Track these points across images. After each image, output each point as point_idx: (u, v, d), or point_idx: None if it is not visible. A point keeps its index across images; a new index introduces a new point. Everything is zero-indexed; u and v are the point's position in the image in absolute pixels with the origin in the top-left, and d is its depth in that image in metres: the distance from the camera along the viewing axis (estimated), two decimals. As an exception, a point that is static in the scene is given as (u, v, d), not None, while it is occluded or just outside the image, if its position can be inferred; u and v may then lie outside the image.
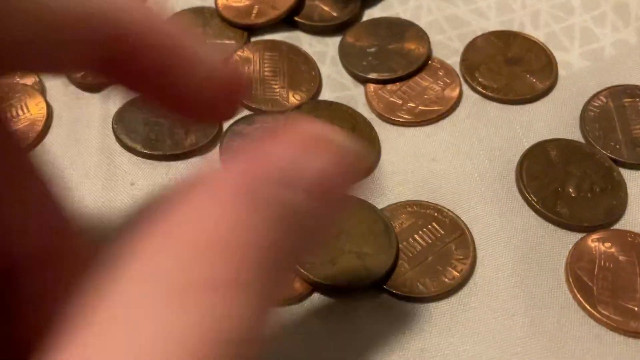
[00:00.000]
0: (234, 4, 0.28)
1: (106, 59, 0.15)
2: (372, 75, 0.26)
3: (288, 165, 0.13)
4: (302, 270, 0.20)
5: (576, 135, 0.24)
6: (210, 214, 0.12)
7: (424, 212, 0.22)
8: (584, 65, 0.26)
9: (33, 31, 0.14)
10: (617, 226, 0.22)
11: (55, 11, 0.14)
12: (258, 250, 0.11)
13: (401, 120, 0.25)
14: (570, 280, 0.20)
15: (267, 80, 0.26)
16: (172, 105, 0.18)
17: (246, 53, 0.26)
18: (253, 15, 0.27)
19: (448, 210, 0.22)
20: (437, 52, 0.27)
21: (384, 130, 0.25)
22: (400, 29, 0.28)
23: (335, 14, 0.28)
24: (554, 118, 0.25)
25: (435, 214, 0.22)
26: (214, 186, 0.12)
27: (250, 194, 0.12)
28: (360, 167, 0.15)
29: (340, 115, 0.25)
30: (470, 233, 0.21)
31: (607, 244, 0.20)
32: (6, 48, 0.14)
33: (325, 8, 0.28)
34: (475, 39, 0.27)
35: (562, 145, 0.23)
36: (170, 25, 0.17)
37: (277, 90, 0.25)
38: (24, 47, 0.14)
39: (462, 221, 0.21)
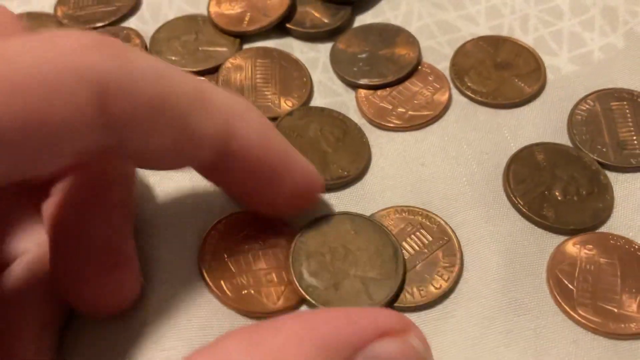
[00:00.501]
0: (226, 12, 0.28)
1: (213, 161, 0.18)
2: (362, 81, 0.26)
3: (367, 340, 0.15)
4: (305, 294, 0.20)
5: (564, 139, 0.25)
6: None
7: (412, 218, 0.22)
8: (572, 70, 0.27)
9: (173, 141, 0.17)
10: (603, 229, 0.22)
11: (192, 127, 0.17)
12: None
13: (391, 125, 0.25)
14: (551, 283, 0.20)
15: (259, 87, 0.26)
16: (257, 205, 0.21)
17: (238, 60, 0.27)
18: (245, 22, 0.28)
19: (436, 215, 0.22)
20: (427, 57, 0.28)
21: (374, 136, 0.25)
22: (391, 34, 0.28)
23: (326, 21, 0.28)
24: (542, 122, 0.25)
25: (423, 220, 0.22)
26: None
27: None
28: None
29: (331, 121, 0.25)
30: (457, 239, 0.21)
31: (589, 247, 0.21)
32: (150, 153, 0.17)
33: (317, 14, 0.29)
34: (464, 44, 0.27)
35: (549, 148, 0.24)
36: (271, 133, 0.19)
37: (269, 96, 0.26)
38: (163, 154, 0.17)
39: (450, 227, 0.22)
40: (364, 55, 0.27)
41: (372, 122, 0.26)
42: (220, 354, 0.14)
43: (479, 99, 0.26)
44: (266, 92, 0.26)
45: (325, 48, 0.28)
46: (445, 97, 0.26)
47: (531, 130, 0.25)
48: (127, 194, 0.19)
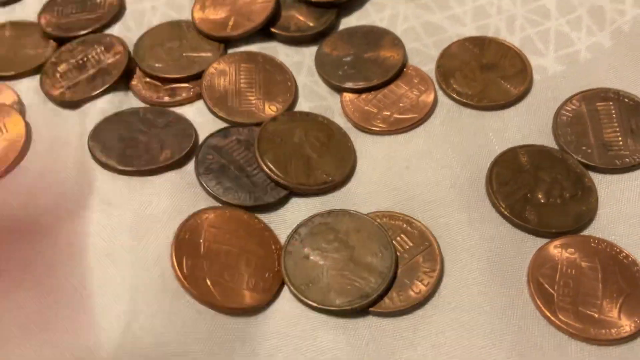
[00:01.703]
0: (211, 17, 0.28)
1: None
2: (348, 85, 0.26)
3: None
4: (298, 294, 0.20)
5: (549, 140, 0.24)
6: None
7: (394, 224, 0.22)
8: (559, 70, 0.27)
9: None
10: (587, 232, 0.22)
11: None
12: None
13: (376, 129, 0.25)
14: (532, 287, 0.20)
15: (243, 92, 0.26)
16: None
17: (222, 65, 0.27)
18: (229, 27, 0.28)
19: (417, 221, 0.22)
20: (413, 59, 0.27)
21: (359, 140, 0.25)
22: (376, 37, 0.28)
23: (311, 24, 0.28)
24: (527, 124, 0.25)
25: (405, 225, 0.22)
26: None
27: None
28: None
29: (317, 125, 0.25)
30: (438, 244, 0.21)
31: (570, 250, 0.20)
32: None
33: (301, 18, 0.29)
34: (450, 46, 0.27)
35: (533, 151, 0.24)
36: None
37: (253, 101, 0.26)
38: None
39: (431, 232, 0.22)
40: (349, 59, 0.27)
41: (357, 126, 0.25)
42: None
43: (465, 100, 0.26)
44: (250, 97, 0.26)
45: (310, 52, 0.28)
46: (430, 99, 0.26)
47: (516, 132, 0.25)
48: None
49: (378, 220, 0.22)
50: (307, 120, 0.25)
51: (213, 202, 0.23)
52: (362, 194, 0.23)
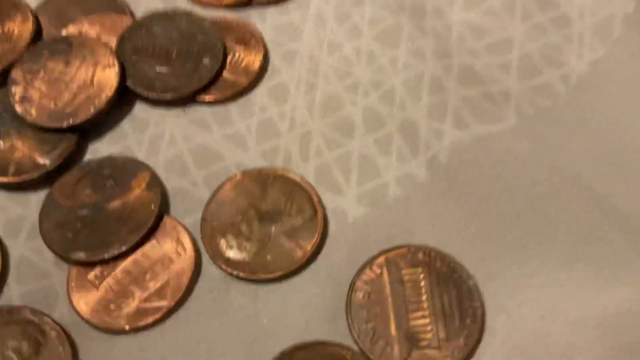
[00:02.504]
0: None
1: None
2: (77, 255, 0.19)
3: None
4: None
5: (342, 325, 0.18)
6: None
7: None
8: (361, 214, 0.20)
9: None
10: None
11: None
12: None
13: (115, 326, 0.18)
14: None
15: None
16: None
17: None
18: None
19: None
20: (176, 207, 0.21)
21: (89, 343, 0.18)
22: (127, 174, 0.21)
23: (40, 160, 0.21)
24: (314, 302, 0.19)
25: None
26: None
27: None
28: None
29: (21, 330, 0.18)
30: None
31: None
32: None
33: (26, 150, 0.21)
34: (221, 188, 0.20)
35: (311, 353, 0.17)
36: None
37: None
38: None
39: None
40: (84, 212, 0.20)
41: (89, 322, 0.18)
42: None
43: (235, 272, 0.19)
44: None
45: (40, 200, 0.21)
46: (189, 271, 0.19)
47: (300, 316, 0.19)
48: None
49: None
50: (7, 323, 0.18)
51: None
52: None
